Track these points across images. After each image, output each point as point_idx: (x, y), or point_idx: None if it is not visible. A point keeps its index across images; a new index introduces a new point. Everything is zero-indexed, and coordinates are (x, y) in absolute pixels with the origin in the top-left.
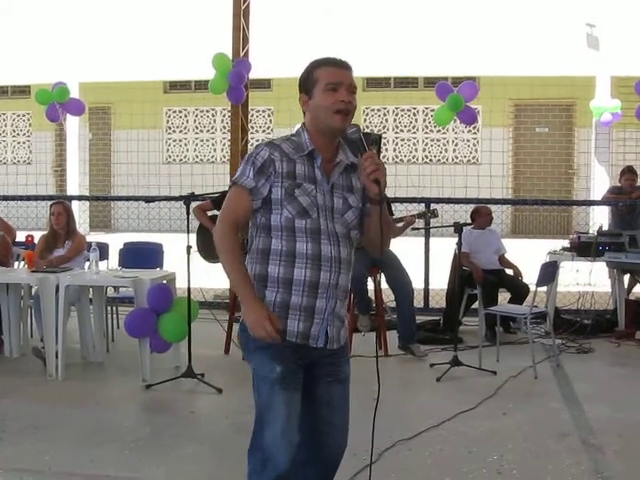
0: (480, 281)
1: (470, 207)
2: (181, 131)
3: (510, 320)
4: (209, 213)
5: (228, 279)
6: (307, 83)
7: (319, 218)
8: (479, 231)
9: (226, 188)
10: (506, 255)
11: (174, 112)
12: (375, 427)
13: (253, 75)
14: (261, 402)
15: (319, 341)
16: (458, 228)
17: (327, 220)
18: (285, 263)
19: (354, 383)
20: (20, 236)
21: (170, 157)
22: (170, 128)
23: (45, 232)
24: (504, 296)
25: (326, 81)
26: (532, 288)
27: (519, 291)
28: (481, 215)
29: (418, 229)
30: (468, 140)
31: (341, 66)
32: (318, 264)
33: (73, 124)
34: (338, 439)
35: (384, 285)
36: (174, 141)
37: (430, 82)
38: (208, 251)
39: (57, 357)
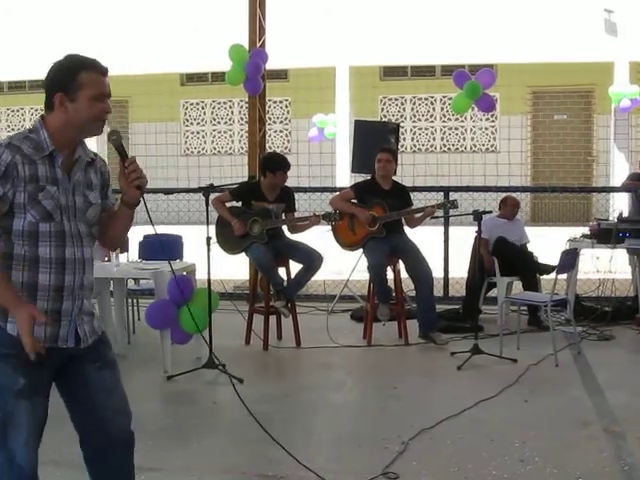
0: (491, 270)
1: (489, 195)
2: (199, 123)
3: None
4: (227, 204)
5: None
6: (69, 84)
7: (62, 220)
8: (503, 220)
9: (245, 179)
10: (528, 245)
11: (191, 104)
12: (397, 416)
13: (270, 66)
14: (3, 410)
15: (69, 342)
16: (477, 216)
17: (70, 221)
18: (29, 268)
19: (373, 372)
20: None
21: (188, 149)
22: (188, 120)
23: None
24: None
25: (96, 91)
26: (552, 275)
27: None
28: (506, 205)
29: (437, 217)
30: (486, 128)
31: (106, 74)
32: (62, 268)
33: None
34: (121, 421)
35: (404, 274)
36: (192, 133)
37: (447, 70)
38: (227, 242)
39: None
